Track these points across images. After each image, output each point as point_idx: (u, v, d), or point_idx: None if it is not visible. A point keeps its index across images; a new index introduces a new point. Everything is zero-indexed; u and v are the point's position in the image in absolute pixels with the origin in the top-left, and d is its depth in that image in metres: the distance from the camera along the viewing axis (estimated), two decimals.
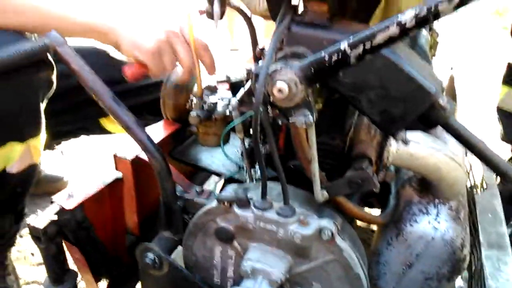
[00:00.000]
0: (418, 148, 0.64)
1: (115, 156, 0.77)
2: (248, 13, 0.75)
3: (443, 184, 0.68)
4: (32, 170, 0.78)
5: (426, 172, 0.66)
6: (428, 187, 0.70)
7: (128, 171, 0.76)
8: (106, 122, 1.02)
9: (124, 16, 0.67)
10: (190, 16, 0.66)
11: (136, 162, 0.76)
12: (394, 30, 0.40)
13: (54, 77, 0.70)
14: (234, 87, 0.86)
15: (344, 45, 0.43)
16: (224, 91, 0.81)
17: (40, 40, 0.63)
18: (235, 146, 0.88)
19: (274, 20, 0.62)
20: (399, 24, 0.39)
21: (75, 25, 0.67)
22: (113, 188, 0.72)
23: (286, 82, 0.47)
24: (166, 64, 0.67)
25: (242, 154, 0.78)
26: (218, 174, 0.86)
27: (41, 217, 0.60)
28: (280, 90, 0.47)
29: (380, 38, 0.41)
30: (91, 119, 1.00)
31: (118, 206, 0.76)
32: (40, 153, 0.77)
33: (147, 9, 0.91)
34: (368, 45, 0.42)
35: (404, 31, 0.39)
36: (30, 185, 0.81)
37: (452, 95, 1.11)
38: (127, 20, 0.67)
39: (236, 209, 0.61)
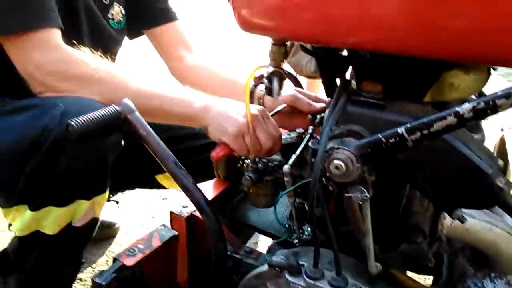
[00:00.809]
0: (473, 222, 0.63)
1: (171, 213, 0.81)
2: (294, 73, 0.81)
3: (500, 258, 0.66)
4: (93, 223, 0.83)
5: (482, 246, 0.65)
6: (483, 260, 0.68)
7: (182, 228, 0.79)
8: (162, 179, 1.08)
9: (212, 102, 0.75)
10: (248, 92, 0.71)
11: (191, 220, 0.80)
12: (451, 120, 0.42)
13: (122, 141, 0.77)
14: (284, 147, 0.89)
15: (401, 130, 0.45)
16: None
17: (113, 107, 0.70)
18: (283, 205, 0.90)
19: (328, 96, 0.66)
20: (457, 115, 0.41)
21: (171, 115, 0.78)
22: (169, 244, 0.75)
23: (343, 161, 0.49)
24: (248, 146, 0.73)
25: (291, 215, 0.80)
26: (267, 234, 0.88)
27: (104, 274, 0.64)
28: (337, 168, 0.50)
29: (437, 126, 0.43)
30: (148, 175, 1.06)
31: (171, 261, 0.79)
32: (102, 208, 0.83)
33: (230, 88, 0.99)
34: (425, 132, 0.44)
35: (462, 122, 0.41)
36: (90, 237, 0.87)
37: (503, 157, 1.08)
38: (214, 107, 0.75)
39: (287, 276, 0.62)
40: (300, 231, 0.81)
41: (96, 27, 0.94)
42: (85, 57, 0.75)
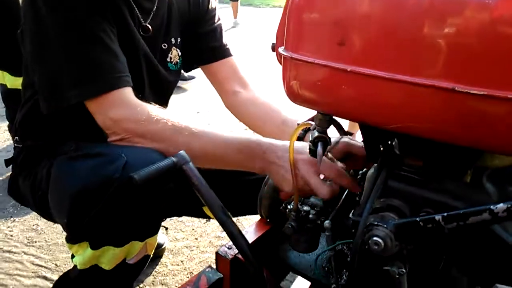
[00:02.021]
0: None
1: (217, 253, 0.87)
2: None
3: None
4: (145, 260, 0.91)
5: None
6: None
7: (226, 269, 0.85)
8: (208, 211, 1.14)
9: (270, 158, 0.82)
10: (293, 143, 0.76)
11: (235, 261, 0.85)
12: (486, 216, 0.44)
13: (173, 186, 0.84)
14: None
15: (438, 218, 0.48)
16: (316, 199, 0.88)
17: (170, 159, 0.77)
18: (323, 246, 0.94)
19: (370, 161, 0.69)
20: (491, 212, 0.44)
21: (232, 167, 0.86)
22: (215, 286, 0.81)
23: (381, 238, 0.53)
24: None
25: (330, 259, 0.83)
26: (306, 276, 0.91)
27: None
28: (376, 244, 0.53)
29: (472, 220, 0.45)
30: (197, 207, 1.13)
31: None
32: (154, 247, 0.91)
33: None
34: (461, 223, 0.46)
35: (495, 219, 0.44)
36: (142, 270, 0.94)
37: None
38: (272, 168, 0.82)
39: None
40: (338, 276, 0.85)
41: (154, 75, 1.02)
42: (156, 113, 0.83)
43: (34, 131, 0.95)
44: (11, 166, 1.04)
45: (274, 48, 0.85)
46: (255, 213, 1.03)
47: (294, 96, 0.63)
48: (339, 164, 0.85)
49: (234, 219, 1.67)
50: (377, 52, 0.50)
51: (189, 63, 1.18)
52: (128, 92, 0.83)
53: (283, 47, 0.61)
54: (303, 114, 1.05)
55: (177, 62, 1.11)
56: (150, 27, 0.99)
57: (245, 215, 1.20)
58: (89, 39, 0.80)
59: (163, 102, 1.14)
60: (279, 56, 0.77)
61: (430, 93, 0.46)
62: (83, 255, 0.81)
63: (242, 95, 1.16)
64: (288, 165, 0.78)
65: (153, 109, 0.83)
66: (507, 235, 0.51)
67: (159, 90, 1.07)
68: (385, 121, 0.53)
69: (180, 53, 1.11)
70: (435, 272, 0.63)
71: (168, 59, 1.08)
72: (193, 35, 1.13)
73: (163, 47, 1.06)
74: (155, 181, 0.74)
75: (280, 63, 0.74)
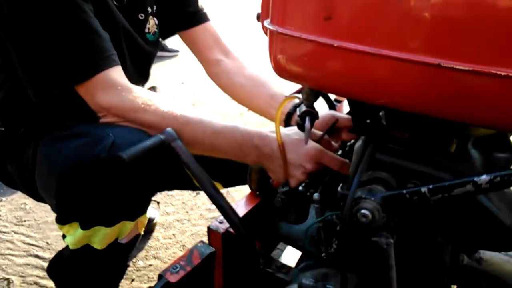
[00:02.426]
0: (492, 254, 0.67)
1: (208, 228, 0.88)
2: None
3: None
4: (136, 238, 0.92)
5: (500, 277, 0.69)
6: (503, 286, 0.72)
7: (218, 243, 0.87)
8: None
9: (262, 150, 0.81)
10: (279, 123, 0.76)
11: (226, 235, 0.87)
12: (470, 188, 0.46)
13: (163, 166, 0.84)
14: None
15: (424, 190, 0.50)
16: None
17: (157, 137, 0.77)
18: (312, 216, 0.96)
19: (357, 134, 0.70)
20: (475, 184, 0.45)
21: (225, 156, 0.85)
22: (208, 260, 0.83)
23: (369, 210, 0.54)
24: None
25: (319, 229, 0.85)
26: (297, 246, 0.94)
27: None
28: (364, 216, 0.54)
29: (457, 191, 0.47)
30: (188, 180, 1.13)
31: (210, 273, 0.87)
32: (145, 225, 0.91)
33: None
34: (446, 194, 0.48)
35: (479, 190, 0.45)
36: (133, 248, 0.95)
37: None
38: (265, 162, 0.82)
39: None
40: (328, 245, 0.87)
41: (134, 48, 0.99)
42: (146, 98, 0.81)
43: (15, 114, 0.93)
44: None
45: (259, 17, 0.84)
46: (245, 183, 1.04)
47: (281, 71, 0.62)
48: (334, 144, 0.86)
49: (225, 190, 1.69)
50: (364, 27, 0.49)
51: (165, 31, 1.14)
52: (115, 72, 0.80)
53: (268, 20, 0.60)
54: (290, 86, 1.05)
55: (155, 31, 1.07)
56: None
57: (235, 185, 1.21)
58: (69, 20, 0.77)
59: (144, 74, 1.11)
60: (264, 28, 0.76)
61: (416, 68, 0.46)
62: (74, 235, 0.82)
63: (225, 64, 1.13)
64: (276, 170, 0.80)
65: (144, 94, 0.81)
66: (490, 204, 0.53)
67: (140, 62, 1.04)
68: (372, 96, 0.53)
69: (157, 22, 1.08)
70: (420, 241, 0.66)
71: (146, 30, 1.04)
72: (167, 1, 1.09)
73: (140, 17, 1.02)
74: (144, 159, 0.74)
75: (266, 35, 0.73)
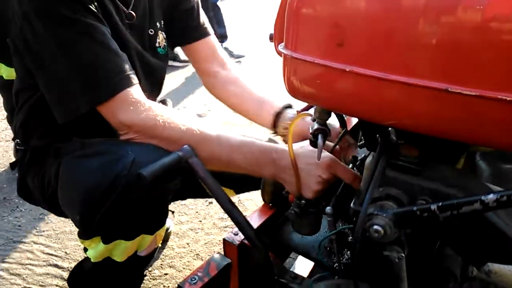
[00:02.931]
0: (501, 266, 0.69)
1: (224, 240, 0.91)
2: None
3: None
4: (155, 250, 0.95)
5: (508, 287, 0.70)
6: None
7: (234, 255, 0.89)
8: None
9: (278, 164, 0.84)
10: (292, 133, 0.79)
11: (241, 247, 0.90)
12: (477, 206, 0.48)
13: (179, 183, 0.87)
14: None
15: (434, 207, 0.52)
16: None
17: (175, 154, 0.80)
18: (324, 227, 0.98)
19: (369, 149, 0.72)
20: (482, 203, 0.47)
21: (241, 171, 0.88)
22: (224, 271, 0.86)
23: (381, 226, 0.56)
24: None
25: (331, 240, 0.88)
26: (309, 257, 0.96)
27: None
28: (376, 232, 0.57)
29: (465, 209, 0.49)
30: (201, 188, 1.16)
31: (225, 284, 0.89)
32: (162, 237, 0.95)
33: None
34: (455, 212, 0.50)
35: (486, 209, 0.47)
36: (152, 259, 0.99)
37: None
38: (281, 175, 0.84)
39: None
40: (340, 255, 0.89)
41: (147, 65, 1.03)
42: (165, 115, 0.84)
43: (35, 132, 0.97)
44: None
45: (271, 38, 0.87)
46: (257, 189, 1.07)
47: (294, 92, 0.65)
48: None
49: (236, 199, 1.71)
50: (374, 53, 0.52)
51: (171, 44, 1.18)
52: (134, 91, 0.83)
53: (283, 44, 0.63)
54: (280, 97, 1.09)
55: (164, 45, 1.11)
56: (133, 13, 0.98)
57: (247, 191, 1.24)
58: (89, 42, 0.80)
59: (157, 88, 1.15)
60: (278, 50, 0.79)
61: (424, 93, 0.49)
62: (96, 249, 0.85)
63: (221, 75, 1.19)
64: (291, 182, 0.82)
65: (163, 111, 0.84)
66: (498, 219, 0.55)
67: (153, 78, 1.08)
68: (382, 118, 0.55)
69: (165, 36, 1.12)
70: (431, 253, 0.68)
71: (157, 44, 1.08)
72: (172, 16, 1.13)
73: (150, 33, 1.06)
74: (163, 176, 0.78)
75: (278, 54, 0.76)
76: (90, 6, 0.82)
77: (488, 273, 0.60)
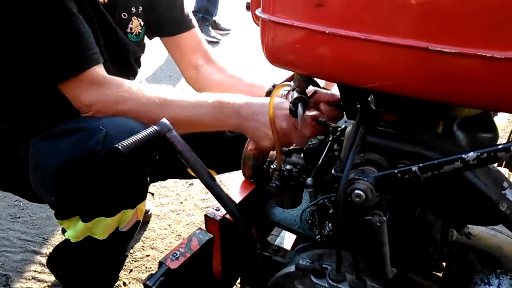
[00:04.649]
0: (480, 229, 0.70)
1: (205, 216, 0.90)
2: None
3: (505, 259, 0.73)
4: (136, 225, 0.93)
5: (488, 250, 0.72)
6: (490, 259, 0.76)
7: (216, 230, 0.88)
8: None
9: (245, 114, 0.85)
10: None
11: (223, 222, 0.89)
12: (458, 164, 0.48)
13: (157, 153, 0.85)
14: (307, 152, 0.96)
15: (415, 168, 0.52)
16: (298, 157, 0.92)
17: (153, 128, 0.78)
18: (305, 201, 0.98)
19: (349, 118, 0.72)
20: (463, 161, 0.48)
21: (209, 128, 0.90)
22: (206, 246, 0.85)
23: (363, 190, 0.56)
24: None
25: (313, 213, 0.88)
26: (291, 230, 0.96)
27: (153, 277, 0.74)
28: (357, 196, 0.57)
29: (446, 168, 0.49)
30: (181, 169, 1.14)
31: (208, 259, 0.89)
32: (144, 211, 0.93)
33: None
34: (436, 172, 0.50)
35: (467, 167, 0.47)
36: (133, 235, 0.97)
37: None
38: (248, 122, 0.85)
39: (312, 278, 0.71)
40: (321, 227, 0.90)
41: (114, 41, 1.00)
42: (126, 89, 0.83)
43: (1, 115, 0.93)
44: None
45: (248, 7, 0.85)
46: (238, 169, 1.06)
47: (273, 59, 0.64)
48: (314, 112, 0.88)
49: (218, 179, 1.71)
50: (354, 13, 0.51)
51: (151, 33, 1.15)
52: (97, 71, 0.82)
53: (260, 8, 0.61)
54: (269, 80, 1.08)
55: (138, 32, 1.07)
56: None
57: (229, 171, 1.23)
58: (52, 19, 0.78)
59: (129, 72, 1.12)
60: (255, 16, 0.77)
61: (405, 52, 0.48)
62: (75, 229, 0.83)
63: (205, 68, 1.16)
64: (265, 121, 0.80)
65: (122, 86, 0.83)
66: (477, 180, 0.56)
67: (121, 59, 1.05)
68: (362, 81, 0.55)
69: (142, 23, 1.08)
70: (411, 219, 0.68)
71: (128, 30, 1.05)
72: (155, 4, 1.09)
73: (123, 16, 1.02)
74: (139, 150, 0.75)
75: (256, 23, 0.74)
76: None
77: (468, 235, 0.61)
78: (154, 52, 3.49)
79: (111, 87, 0.83)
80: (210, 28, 3.70)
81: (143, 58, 1.17)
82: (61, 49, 0.79)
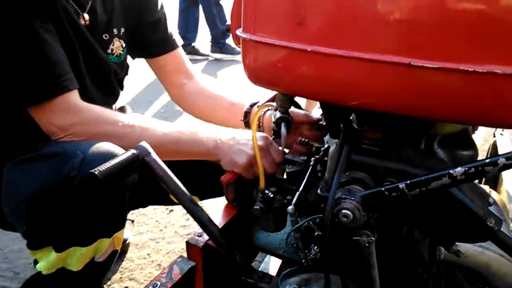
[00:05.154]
0: (468, 246, 0.69)
1: (187, 242, 0.86)
2: None
3: (492, 277, 0.72)
4: (113, 255, 0.89)
5: (476, 268, 0.71)
6: (478, 277, 0.75)
7: (198, 257, 0.85)
8: None
9: (222, 136, 0.83)
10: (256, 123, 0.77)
11: (206, 248, 0.85)
12: (446, 180, 0.47)
13: (137, 177, 0.82)
14: (290, 175, 0.95)
15: (402, 186, 0.51)
16: (281, 179, 0.90)
17: (131, 152, 0.75)
18: (290, 225, 0.96)
19: (332, 137, 0.71)
20: (451, 176, 0.47)
21: (186, 155, 0.88)
22: (188, 274, 0.81)
23: (350, 210, 0.55)
24: (256, 172, 0.81)
25: (297, 236, 0.86)
26: (276, 255, 0.93)
27: None
28: (345, 216, 0.55)
29: (434, 185, 0.48)
30: (163, 195, 1.11)
31: (190, 287, 0.85)
32: (121, 241, 0.89)
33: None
34: (423, 189, 0.49)
35: (455, 182, 0.47)
36: (110, 266, 0.92)
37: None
38: (225, 143, 0.83)
39: None
40: (307, 251, 0.87)
41: (94, 61, 0.98)
42: (104, 115, 0.83)
43: None
44: None
45: (229, 29, 0.85)
46: (221, 195, 1.04)
47: (255, 78, 0.63)
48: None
49: (199, 203, 1.67)
50: (335, 30, 0.51)
51: (134, 55, 1.15)
52: (71, 96, 0.82)
53: (240, 29, 0.61)
54: (249, 98, 1.08)
55: (120, 54, 1.06)
56: (87, 16, 0.94)
57: (212, 197, 1.20)
58: (26, 44, 0.77)
59: (111, 93, 1.10)
60: (235, 38, 0.77)
61: (388, 68, 0.48)
62: (48, 260, 0.78)
63: (188, 87, 1.16)
64: (243, 138, 0.81)
65: (99, 112, 0.83)
66: (464, 196, 0.55)
67: (103, 83, 1.03)
68: (346, 98, 0.54)
69: (124, 45, 1.07)
70: (399, 238, 0.67)
71: (109, 51, 1.03)
72: (138, 25, 1.09)
73: (104, 37, 1.01)
74: (117, 175, 0.73)
75: (237, 45, 0.73)
76: (38, 7, 0.78)
77: (457, 253, 0.60)
78: (134, 75, 3.49)
79: (87, 111, 0.82)
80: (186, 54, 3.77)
81: (128, 87, 1.15)
82: (30, 76, 0.78)
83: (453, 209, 0.55)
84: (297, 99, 0.99)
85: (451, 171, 0.47)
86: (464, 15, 0.44)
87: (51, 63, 0.81)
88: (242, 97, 1.13)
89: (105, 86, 1.04)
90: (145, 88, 3.28)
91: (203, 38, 4.11)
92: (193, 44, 3.90)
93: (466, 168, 0.46)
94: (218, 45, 3.90)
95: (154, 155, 0.76)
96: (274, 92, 1.01)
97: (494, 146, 1.31)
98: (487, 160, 0.45)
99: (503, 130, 1.27)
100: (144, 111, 2.89)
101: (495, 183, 1.15)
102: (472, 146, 0.89)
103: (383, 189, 0.53)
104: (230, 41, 3.94)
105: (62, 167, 0.73)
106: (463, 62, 0.45)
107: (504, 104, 0.46)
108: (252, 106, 1.06)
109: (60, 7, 0.88)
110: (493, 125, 0.49)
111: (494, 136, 1.32)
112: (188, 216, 0.91)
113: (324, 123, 0.92)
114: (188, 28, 3.84)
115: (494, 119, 0.47)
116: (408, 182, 0.50)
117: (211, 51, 3.95)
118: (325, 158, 0.82)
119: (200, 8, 3.84)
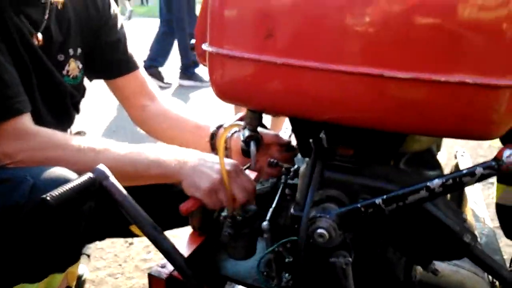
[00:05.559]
0: (442, 266, 0.68)
1: (149, 275, 0.80)
2: None
3: None
4: None
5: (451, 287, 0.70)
6: None
7: None
8: (137, 229, 1.06)
9: (186, 158, 0.78)
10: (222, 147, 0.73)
11: (170, 280, 0.79)
12: (423, 193, 0.46)
13: (93, 204, 0.76)
14: (259, 197, 0.91)
15: (379, 201, 0.49)
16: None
17: (87, 176, 0.69)
18: (260, 251, 0.92)
19: (304, 155, 0.69)
20: (428, 189, 0.45)
21: (147, 178, 0.81)
22: None
23: (326, 229, 0.52)
24: (221, 200, 0.76)
25: (268, 263, 0.81)
26: (246, 284, 0.88)
27: None
28: (320, 236, 0.52)
29: (411, 199, 0.47)
30: (123, 227, 1.04)
31: None
32: (76, 276, 0.81)
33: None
34: (400, 203, 0.47)
35: (433, 195, 0.45)
36: None
37: None
38: (188, 163, 0.77)
39: None
40: (278, 278, 0.83)
41: (48, 83, 0.93)
42: (54, 139, 0.78)
43: None
44: None
45: (193, 48, 0.82)
46: (185, 225, 0.98)
47: (223, 94, 0.60)
48: None
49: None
50: (304, 42, 0.49)
51: (92, 76, 1.10)
52: (23, 120, 0.77)
53: (206, 43, 0.59)
54: (215, 119, 1.05)
55: (76, 75, 1.01)
56: (40, 36, 0.90)
57: (175, 227, 1.14)
58: None
59: (65, 117, 1.04)
60: (200, 55, 0.75)
61: (360, 80, 0.47)
62: None
63: (150, 109, 1.11)
64: (208, 160, 0.77)
65: (49, 136, 0.78)
66: (439, 212, 0.54)
67: (57, 105, 0.97)
68: (317, 112, 0.52)
69: (80, 66, 1.02)
70: (374, 259, 0.65)
71: (65, 72, 0.98)
72: (96, 45, 1.04)
73: (59, 58, 0.96)
74: (72, 201, 0.67)
75: (202, 63, 0.71)
76: None
77: (435, 272, 0.58)
78: (98, 104, 3.39)
79: (36, 137, 0.77)
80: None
81: (87, 111, 1.09)
82: None
83: (429, 226, 0.54)
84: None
85: (428, 183, 0.46)
86: (434, 26, 0.44)
87: (3, 85, 0.76)
88: (208, 119, 1.10)
89: (59, 109, 0.98)
90: (109, 116, 3.18)
91: (172, 66, 4.10)
92: (159, 69, 3.88)
93: (444, 180, 0.44)
94: (188, 73, 3.88)
95: (113, 179, 0.71)
96: (241, 115, 0.99)
97: (457, 168, 1.34)
98: (464, 171, 0.44)
99: (464, 152, 1.30)
100: (107, 136, 2.79)
101: (459, 203, 1.16)
102: (438, 166, 0.90)
103: (359, 205, 0.51)
104: (199, 70, 3.96)
105: (10, 194, 0.67)
106: (435, 72, 0.44)
107: (476, 114, 0.46)
108: (219, 127, 1.03)
109: (12, 26, 0.83)
110: (467, 137, 0.48)
111: (456, 158, 1.35)
112: (150, 249, 0.85)
113: (295, 144, 0.90)
114: (159, 52, 3.83)
115: (467, 130, 0.47)
116: (385, 197, 0.49)
117: (180, 78, 3.94)
118: (296, 179, 0.80)
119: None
